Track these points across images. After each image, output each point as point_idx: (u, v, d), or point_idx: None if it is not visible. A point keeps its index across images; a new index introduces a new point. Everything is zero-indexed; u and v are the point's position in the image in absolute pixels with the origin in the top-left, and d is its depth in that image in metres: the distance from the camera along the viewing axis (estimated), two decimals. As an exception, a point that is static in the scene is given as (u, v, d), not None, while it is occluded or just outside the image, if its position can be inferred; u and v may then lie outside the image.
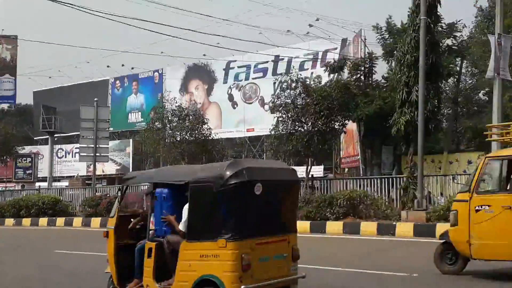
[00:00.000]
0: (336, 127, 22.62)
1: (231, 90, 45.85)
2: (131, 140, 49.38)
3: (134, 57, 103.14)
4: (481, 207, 9.68)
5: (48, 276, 11.81)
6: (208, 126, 27.59)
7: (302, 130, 21.74)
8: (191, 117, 27.44)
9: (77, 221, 24.91)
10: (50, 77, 60.92)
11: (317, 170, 26.72)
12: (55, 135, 45.38)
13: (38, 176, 47.13)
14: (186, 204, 7.45)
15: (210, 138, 27.58)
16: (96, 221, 23.77)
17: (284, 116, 22.08)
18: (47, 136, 45.07)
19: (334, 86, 22.83)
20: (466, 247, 9.84)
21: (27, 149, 47.83)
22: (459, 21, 31.20)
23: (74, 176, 45.98)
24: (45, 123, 44.20)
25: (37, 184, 40.28)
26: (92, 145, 25.54)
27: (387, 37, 31.06)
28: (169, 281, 7.49)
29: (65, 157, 52.24)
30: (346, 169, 35.52)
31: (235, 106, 45.31)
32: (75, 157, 47.49)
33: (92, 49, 66.96)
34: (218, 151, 28.58)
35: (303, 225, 18.61)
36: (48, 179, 40.05)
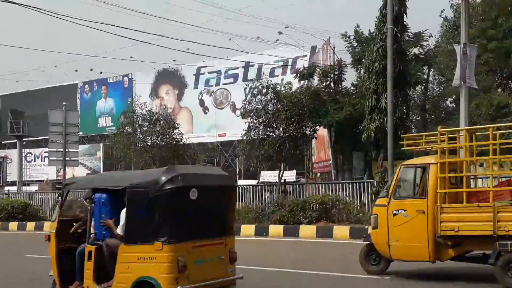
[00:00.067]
0: (307, 132, 22.80)
1: (202, 96, 45.89)
2: (101, 144, 49.04)
3: (103, 62, 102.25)
4: (398, 211, 10.38)
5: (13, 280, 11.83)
6: (179, 131, 27.53)
7: (274, 135, 21.91)
8: (161, 122, 27.34)
9: (48, 225, 24.65)
10: (17, 81, 60.30)
11: (290, 175, 26.94)
12: (24, 139, 44.80)
13: (7, 180, 46.42)
14: (124, 209, 7.69)
15: (181, 142, 27.58)
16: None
17: (255, 121, 22.24)
18: (16, 140, 44.49)
19: (305, 92, 22.92)
20: (386, 249, 10.51)
21: (-5, 153, 47.24)
22: (425, 30, 31.99)
23: (44, 180, 45.46)
24: (13, 127, 43.51)
25: (6, 188, 39.68)
26: (62, 149, 25.36)
27: (355, 45, 31.65)
28: (109, 283, 7.72)
29: (34, 161, 51.70)
30: (318, 174, 35.90)
31: (206, 111, 45.39)
32: (44, 161, 46.90)
33: (59, 53, 66.21)
34: (190, 156, 28.56)
35: (276, 229, 18.93)
36: (17, 183, 39.49)
